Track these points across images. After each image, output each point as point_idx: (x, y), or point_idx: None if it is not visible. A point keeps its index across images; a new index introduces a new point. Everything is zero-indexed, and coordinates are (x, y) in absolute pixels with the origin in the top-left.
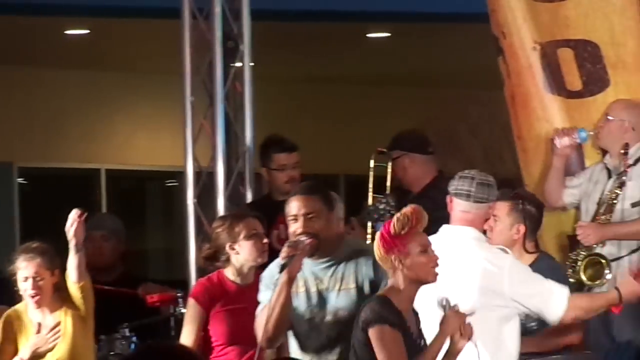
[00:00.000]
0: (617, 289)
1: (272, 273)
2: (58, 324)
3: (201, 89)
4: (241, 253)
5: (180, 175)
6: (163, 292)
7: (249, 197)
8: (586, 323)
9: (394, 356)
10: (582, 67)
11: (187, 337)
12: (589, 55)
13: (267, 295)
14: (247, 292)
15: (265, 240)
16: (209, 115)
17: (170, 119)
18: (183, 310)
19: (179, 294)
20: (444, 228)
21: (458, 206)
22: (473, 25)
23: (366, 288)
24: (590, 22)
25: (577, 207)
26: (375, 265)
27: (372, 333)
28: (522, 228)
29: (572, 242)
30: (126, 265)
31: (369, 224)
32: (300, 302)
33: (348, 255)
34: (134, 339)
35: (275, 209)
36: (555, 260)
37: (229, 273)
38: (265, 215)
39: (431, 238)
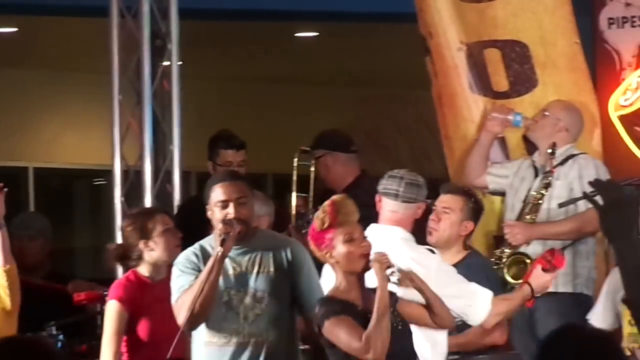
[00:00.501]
0: (528, 283)
1: (188, 257)
2: None
3: (129, 87)
4: (156, 250)
5: (108, 173)
6: (91, 290)
7: (177, 196)
8: (510, 323)
9: (351, 336)
10: (510, 68)
11: (111, 339)
12: (517, 56)
13: (184, 279)
14: (164, 287)
15: (179, 235)
16: (137, 113)
17: (98, 118)
18: None
19: (105, 293)
20: (372, 227)
21: (386, 205)
22: (401, 25)
23: (285, 269)
24: (520, 22)
25: (502, 195)
26: (294, 251)
27: (325, 331)
28: (471, 225)
29: (497, 242)
30: (53, 263)
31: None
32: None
33: (265, 244)
34: (61, 337)
35: None
36: (484, 258)
37: (144, 270)
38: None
39: None
